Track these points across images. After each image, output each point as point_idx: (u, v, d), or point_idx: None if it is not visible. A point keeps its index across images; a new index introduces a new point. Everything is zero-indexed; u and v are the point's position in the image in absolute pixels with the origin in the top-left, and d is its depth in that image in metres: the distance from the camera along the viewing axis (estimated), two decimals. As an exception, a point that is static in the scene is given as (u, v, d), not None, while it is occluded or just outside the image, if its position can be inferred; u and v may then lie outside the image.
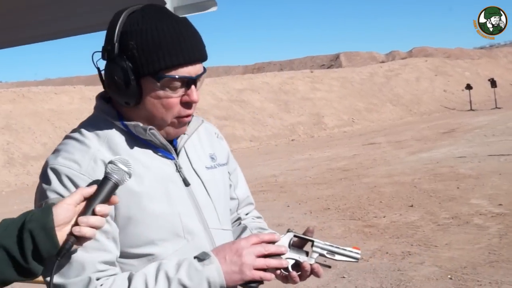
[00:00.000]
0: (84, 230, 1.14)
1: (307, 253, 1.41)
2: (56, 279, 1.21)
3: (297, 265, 1.39)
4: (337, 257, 1.41)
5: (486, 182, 8.82)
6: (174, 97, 1.33)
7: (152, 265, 1.30)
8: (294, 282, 1.41)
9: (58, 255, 1.14)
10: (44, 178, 1.29)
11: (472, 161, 11.06)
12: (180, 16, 1.41)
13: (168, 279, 1.27)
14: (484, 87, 30.34)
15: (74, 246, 1.16)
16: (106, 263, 1.27)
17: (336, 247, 1.41)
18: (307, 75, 28.49)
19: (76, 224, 1.15)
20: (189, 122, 1.44)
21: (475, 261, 5.27)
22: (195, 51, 1.33)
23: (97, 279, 1.25)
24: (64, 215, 1.14)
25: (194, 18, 2.18)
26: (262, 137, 20.90)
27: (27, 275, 1.14)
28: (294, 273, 1.38)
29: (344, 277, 5.17)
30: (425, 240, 6.15)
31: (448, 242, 5.96)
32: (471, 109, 25.99)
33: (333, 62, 47.88)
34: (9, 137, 16.24)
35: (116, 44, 1.30)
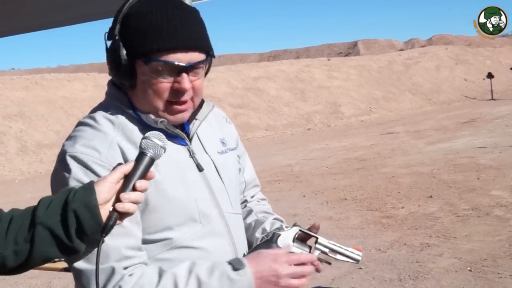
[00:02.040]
0: (127, 206, 1.18)
1: (310, 248, 1.43)
2: (81, 264, 1.23)
3: None
4: (339, 256, 1.44)
5: (507, 173, 8.65)
6: (164, 83, 1.32)
7: (184, 266, 1.29)
8: None
9: (103, 232, 1.16)
10: (63, 166, 1.29)
11: (493, 151, 10.88)
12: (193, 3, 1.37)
13: (199, 282, 1.26)
14: (506, 76, 29.83)
15: (118, 222, 1.19)
16: (132, 248, 1.27)
17: (339, 246, 1.43)
18: (324, 63, 28.26)
19: (118, 200, 1.18)
20: (200, 108, 1.45)
21: (496, 253, 5.17)
22: (188, 37, 1.31)
23: (125, 268, 1.24)
24: (107, 194, 1.17)
25: (210, 4, 2.11)
26: (277, 126, 20.81)
27: (70, 253, 1.18)
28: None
29: (361, 268, 5.10)
30: (444, 231, 6.05)
31: (468, 234, 5.86)
32: (492, 99, 25.58)
33: (351, 50, 47.48)
34: (22, 125, 16.38)
35: (118, 25, 1.32)
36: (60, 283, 5.53)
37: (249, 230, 1.59)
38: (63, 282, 5.48)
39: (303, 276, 1.34)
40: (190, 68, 1.32)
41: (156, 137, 1.24)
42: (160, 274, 1.27)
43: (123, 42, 1.31)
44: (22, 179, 13.75)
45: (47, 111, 17.45)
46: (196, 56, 1.33)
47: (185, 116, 1.39)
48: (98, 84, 19.24)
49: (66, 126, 16.46)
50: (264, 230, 1.56)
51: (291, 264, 1.32)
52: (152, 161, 1.23)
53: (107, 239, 1.21)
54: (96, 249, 1.18)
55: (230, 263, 1.30)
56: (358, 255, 1.43)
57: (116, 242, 1.24)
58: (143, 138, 1.24)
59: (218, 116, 1.60)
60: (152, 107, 1.35)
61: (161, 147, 1.24)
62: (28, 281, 5.60)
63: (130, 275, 1.25)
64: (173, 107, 1.35)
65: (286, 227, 1.45)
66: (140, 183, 1.20)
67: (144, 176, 1.22)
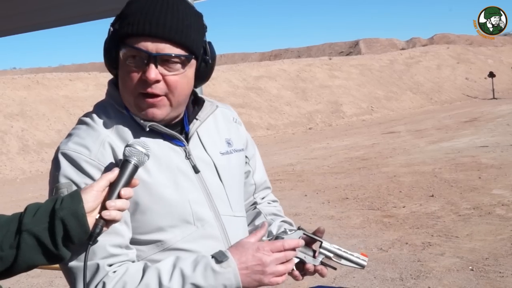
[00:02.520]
0: (113, 214, 1.19)
1: (314, 252, 1.41)
2: (69, 261, 1.24)
3: (302, 263, 1.40)
4: (343, 261, 1.41)
5: (508, 172, 8.64)
6: (133, 72, 1.30)
7: (168, 261, 1.29)
8: (296, 280, 1.42)
9: (90, 240, 1.18)
10: (55, 163, 1.31)
11: (495, 150, 10.87)
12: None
13: (183, 277, 1.26)
14: (508, 75, 29.79)
15: (104, 229, 1.20)
16: (118, 246, 1.28)
17: (344, 251, 1.41)
18: (325, 62, 28.24)
19: (104, 208, 1.19)
20: (201, 108, 1.44)
21: (497, 252, 5.16)
22: (161, 26, 1.28)
23: (110, 265, 1.25)
24: (93, 202, 1.18)
25: (212, 3, 2.10)
26: (279, 125, 20.81)
27: (56, 260, 1.18)
28: (297, 273, 1.40)
29: (362, 267, 5.09)
30: (445, 230, 6.04)
31: (469, 233, 5.85)
32: (493, 98, 25.55)
33: (352, 49, 47.43)
34: (24, 124, 16.39)
35: (116, 17, 1.35)
36: (61, 282, 5.53)
37: None
38: (64, 281, 5.41)
39: (288, 261, 1.33)
40: (158, 59, 1.29)
41: (140, 145, 1.24)
42: (144, 269, 1.27)
43: (111, 30, 1.34)
44: (23, 178, 13.76)
45: (48, 110, 17.46)
46: (168, 48, 1.29)
47: (156, 113, 1.33)
48: (100, 83, 19.24)
49: (67, 125, 16.46)
50: (270, 233, 1.54)
51: (274, 251, 1.32)
52: (136, 168, 1.24)
53: (101, 237, 1.22)
54: (83, 247, 1.20)
55: (213, 256, 1.29)
56: (364, 260, 1.41)
57: (102, 239, 1.24)
58: (126, 146, 1.25)
59: (226, 116, 1.58)
60: (126, 101, 1.35)
61: (144, 154, 1.24)
62: (30, 280, 5.60)
63: (114, 271, 1.25)
64: (143, 100, 1.32)
65: (290, 230, 1.43)
66: (125, 191, 1.21)
67: (128, 183, 1.23)
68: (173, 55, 1.29)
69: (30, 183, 12.58)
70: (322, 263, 1.41)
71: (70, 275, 1.27)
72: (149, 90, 1.30)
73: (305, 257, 1.39)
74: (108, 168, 1.27)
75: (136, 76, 1.30)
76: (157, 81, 1.29)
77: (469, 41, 44.88)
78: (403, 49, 40.93)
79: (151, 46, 1.28)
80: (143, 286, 1.24)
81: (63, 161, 1.28)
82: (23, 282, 5.53)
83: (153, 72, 1.28)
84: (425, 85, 28.42)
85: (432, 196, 7.66)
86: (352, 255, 1.41)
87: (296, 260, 1.38)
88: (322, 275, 1.41)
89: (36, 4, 2.43)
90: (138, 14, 1.29)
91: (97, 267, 1.24)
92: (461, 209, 6.87)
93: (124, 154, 1.24)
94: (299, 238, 1.40)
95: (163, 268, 1.27)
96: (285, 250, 1.33)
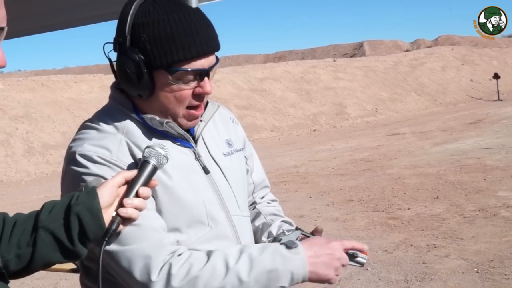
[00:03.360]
0: (130, 211, 1.18)
1: None
2: (115, 246, 1.23)
3: None
4: None
5: (514, 174, 8.60)
6: (187, 89, 1.31)
7: (235, 247, 1.30)
8: None
9: (105, 236, 1.17)
10: (74, 164, 1.28)
11: (500, 152, 10.82)
12: (194, 5, 1.37)
13: (251, 259, 1.25)
14: (512, 77, 29.64)
15: (120, 227, 1.19)
16: (164, 230, 1.29)
17: None
18: (329, 64, 28.21)
19: (121, 205, 1.19)
20: (204, 108, 1.43)
21: (503, 255, 5.15)
22: (208, 43, 1.31)
23: (171, 245, 1.27)
24: (109, 197, 1.18)
25: (214, 4, 2.10)
26: (283, 127, 20.79)
27: (72, 257, 1.18)
28: None
29: (367, 269, 5.09)
30: (450, 232, 6.02)
31: (475, 235, 5.83)
32: (498, 99, 25.44)
33: (357, 50, 47.37)
34: (29, 126, 16.42)
35: (128, 36, 1.29)
36: (66, 284, 5.54)
37: (258, 233, 1.58)
38: (70, 283, 5.49)
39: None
40: (209, 72, 1.33)
41: (160, 147, 1.25)
42: (209, 254, 1.27)
43: (141, 54, 1.28)
44: (28, 180, 13.79)
45: (53, 112, 17.49)
46: (213, 59, 1.34)
47: (198, 120, 1.41)
48: (104, 85, 19.27)
49: (72, 127, 16.50)
50: (270, 233, 1.54)
51: (344, 248, 1.34)
52: (155, 169, 1.24)
53: (139, 221, 1.21)
54: (130, 231, 1.21)
55: (283, 243, 1.30)
56: (363, 258, 1.41)
57: (149, 222, 1.26)
58: (146, 148, 1.25)
59: (224, 116, 1.58)
60: (171, 114, 1.35)
61: (163, 156, 1.25)
62: (35, 282, 5.61)
63: (179, 254, 1.26)
64: (191, 112, 1.36)
65: (288, 231, 1.44)
66: (143, 190, 1.21)
67: (147, 183, 1.23)
68: (217, 63, 1.35)
69: (35, 185, 12.61)
70: (351, 262, 1.41)
71: (121, 259, 1.24)
72: (200, 103, 1.36)
73: (355, 241, 1.41)
74: (130, 167, 1.28)
75: (188, 93, 1.33)
76: None
77: (474, 42, 44.72)
78: (407, 50, 40.83)
79: (205, 63, 1.31)
80: (209, 267, 1.24)
81: (84, 162, 1.28)
82: (28, 284, 5.54)
83: (209, 85, 1.33)
84: (430, 86, 28.34)
85: (437, 198, 7.64)
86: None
87: None
88: None
89: (40, 7, 2.44)
90: (180, 37, 1.28)
91: (161, 243, 1.25)
92: (466, 211, 6.84)
93: (143, 155, 1.24)
94: (297, 238, 1.40)
95: (230, 252, 1.27)
96: (352, 248, 1.36)
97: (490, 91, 28.21)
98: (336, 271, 1.31)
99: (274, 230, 1.54)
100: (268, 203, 1.69)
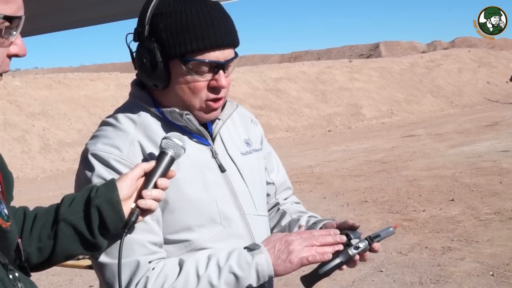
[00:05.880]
0: (149, 203, 1.20)
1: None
2: (105, 258, 1.25)
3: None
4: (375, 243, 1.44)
5: (531, 177, 8.49)
6: (201, 81, 1.32)
7: (203, 253, 1.32)
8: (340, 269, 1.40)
9: (125, 228, 1.19)
10: (86, 164, 1.31)
11: (516, 155, 10.69)
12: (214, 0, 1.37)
13: (219, 266, 1.28)
14: (530, 79, 29.24)
15: (139, 219, 1.21)
16: (155, 244, 1.29)
17: (370, 237, 1.46)
18: (345, 64, 28.11)
19: (140, 197, 1.20)
20: (223, 107, 1.44)
21: (519, 258, 5.08)
22: (224, 35, 1.31)
23: (149, 262, 1.27)
24: (128, 190, 1.19)
25: (232, 4, 2.11)
26: (298, 128, 20.77)
27: (93, 249, 1.19)
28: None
29: (382, 271, 5.06)
30: (466, 235, 5.96)
31: (490, 238, 5.77)
32: (515, 102, 25.15)
33: (373, 51, 47.15)
34: (45, 123, 16.59)
35: (147, 26, 1.31)
36: (81, 280, 5.59)
37: (285, 231, 1.56)
38: (85, 279, 5.54)
39: (314, 245, 1.32)
40: (225, 65, 1.33)
41: (177, 138, 1.25)
42: (180, 262, 1.30)
43: (157, 44, 1.30)
44: (44, 177, 13.95)
45: (69, 110, 17.66)
46: (230, 53, 1.34)
47: (218, 113, 1.40)
48: (120, 83, 19.43)
49: (88, 125, 16.65)
50: (300, 227, 1.52)
51: (300, 234, 1.34)
52: (172, 160, 1.25)
53: (131, 234, 1.23)
54: (118, 242, 1.20)
55: (246, 247, 1.32)
56: (391, 227, 1.44)
57: (140, 236, 1.26)
58: (163, 138, 1.25)
59: (243, 116, 1.59)
60: (187, 106, 1.35)
61: (181, 147, 1.25)
62: (50, 278, 5.67)
63: (153, 268, 1.27)
64: (208, 104, 1.35)
65: (320, 221, 1.44)
66: (161, 181, 1.22)
67: (165, 174, 1.23)
68: (235, 59, 1.35)
69: (51, 182, 12.75)
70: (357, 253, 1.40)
71: (107, 272, 1.27)
72: (218, 96, 1.35)
73: (313, 230, 1.40)
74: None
75: (204, 84, 1.33)
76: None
77: (491, 44, 44.25)
78: (424, 52, 40.56)
79: (220, 55, 1.31)
80: (183, 276, 1.27)
81: (94, 162, 1.29)
82: (44, 280, 5.60)
83: (224, 79, 1.33)
84: (446, 88, 28.10)
85: (452, 200, 7.57)
86: (380, 234, 1.44)
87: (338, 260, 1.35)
88: (363, 260, 1.43)
89: (57, 5, 2.46)
90: (196, 27, 1.28)
91: (138, 264, 1.25)
92: (481, 213, 6.77)
93: (160, 146, 1.25)
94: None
95: (199, 259, 1.29)
96: (313, 235, 1.33)
97: (506, 93, 27.91)
98: (298, 252, 1.29)
99: (303, 223, 1.52)
100: (292, 204, 1.68)
